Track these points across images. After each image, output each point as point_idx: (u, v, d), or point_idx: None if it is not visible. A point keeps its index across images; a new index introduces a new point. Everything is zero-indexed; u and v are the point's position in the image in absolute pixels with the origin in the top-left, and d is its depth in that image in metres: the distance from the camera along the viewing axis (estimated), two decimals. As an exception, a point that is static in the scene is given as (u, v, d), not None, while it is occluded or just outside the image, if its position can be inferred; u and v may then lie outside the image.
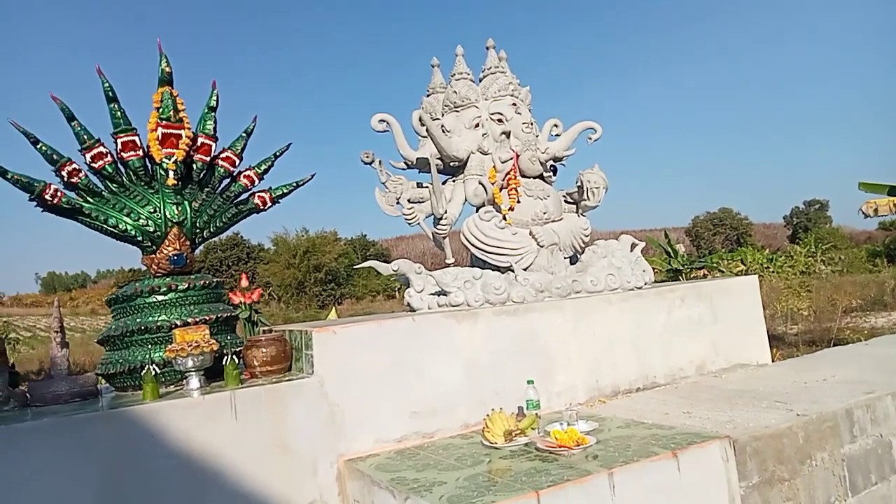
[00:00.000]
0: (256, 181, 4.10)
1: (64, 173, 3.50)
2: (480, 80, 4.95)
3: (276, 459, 3.27)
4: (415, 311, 4.20)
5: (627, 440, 3.16)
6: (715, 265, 21.45)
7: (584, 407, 4.01)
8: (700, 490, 2.93)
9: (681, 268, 18.24)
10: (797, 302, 13.59)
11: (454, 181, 4.75)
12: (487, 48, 4.99)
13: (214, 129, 3.92)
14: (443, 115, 4.88)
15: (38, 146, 3.45)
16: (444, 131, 4.58)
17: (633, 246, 5.01)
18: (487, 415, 3.37)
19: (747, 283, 5.15)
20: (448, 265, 4.54)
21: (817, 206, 51.06)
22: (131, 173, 3.72)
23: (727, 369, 4.75)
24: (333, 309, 15.19)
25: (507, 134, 4.60)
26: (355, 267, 5.82)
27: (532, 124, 4.77)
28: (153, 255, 3.75)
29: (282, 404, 3.31)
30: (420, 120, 4.68)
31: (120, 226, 3.64)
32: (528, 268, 4.34)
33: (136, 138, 3.67)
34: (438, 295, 4.20)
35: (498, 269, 4.35)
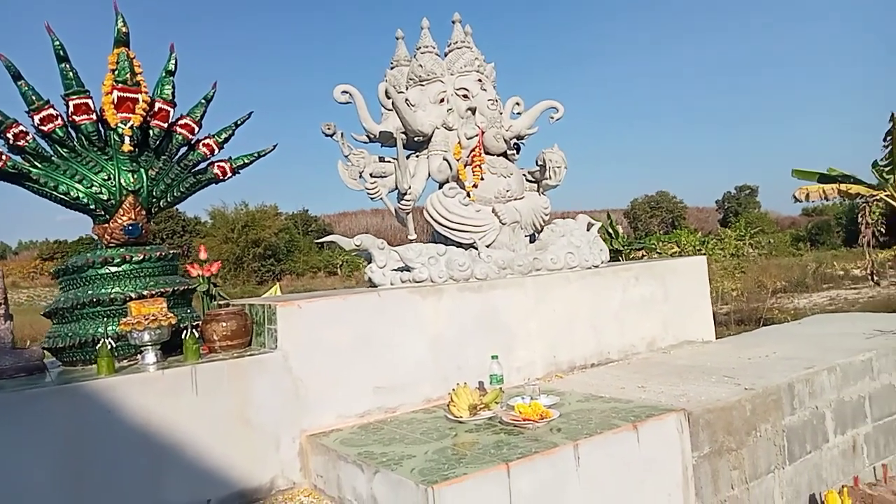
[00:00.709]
0: (216, 150, 3.96)
1: (10, 135, 3.29)
2: (446, 55, 4.91)
3: (238, 435, 3.22)
4: (376, 286, 4.18)
5: (588, 413, 3.26)
6: (653, 246, 22.22)
7: (542, 381, 4.11)
8: (657, 460, 3.07)
9: (621, 248, 18.81)
10: (729, 283, 14.26)
11: (418, 156, 4.73)
12: (453, 22, 4.94)
13: (173, 94, 3.76)
14: (407, 88, 4.83)
15: (-20, 105, 3.22)
16: (408, 105, 4.53)
17: (590, 226, 5.12)
18: (453, 389, 3.41)
19: (696, 264, 5.37)
20: (410, 241, 4.54)
21: (747, 192, 53.36)
22: (83, 138, 3.52)
23: (675, 346, 4.96)
24: (277, 285, 14.95)
25: (473, 110, 4.59)
26: (317, 241, 5.73)
27: (497, 101, 4.79)
28: (106, 225, 3.58)
29: (244, 379, 3.26)
30: (386, 93, 4.61)
31: (71, 193, 3.45)
32: (490, 245, 4.38)
33: (90, 101, 3.47)
34: (401, 271, 4.19)
35: (460, 245, 4.37)
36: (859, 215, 12.12)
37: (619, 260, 14.91)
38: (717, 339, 5.42)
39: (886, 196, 11.35)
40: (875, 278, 12.31)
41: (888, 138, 10.86)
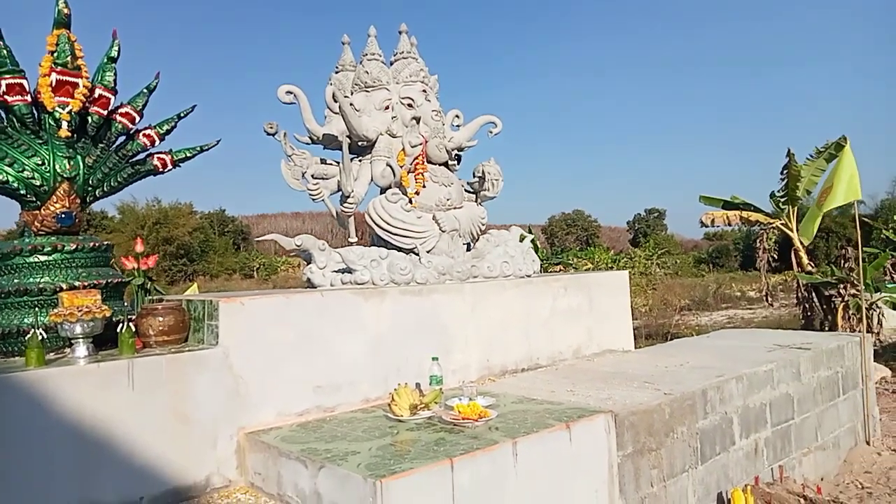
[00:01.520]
0: (157, 141, 3.87)
1: (-66, 112, 3.11)
2: (391, 64, 5.01)
3: (174, 431, 3.15)
4: (315, 287, 4.20)
5: (524, 414, 3.42)
6: (569, 262, 23.05)
7: (476, 384, 4.24)
8: (587, 458, 3.26)
9: (541, 262, 19.33)
10: (640, 299, 15.03)
11: (361, 160, 4.78)
12: (400, 33, 5.05)
13: (114, 81, 3.65)
14: (352, 93, 4.88)
15: None
16: (354, 110, 4.59)
17: (522, 238, 5.34)
18: (395, 389, 3.48)
19: (619, 278, 5.69)
20: (351, 243, 4.58)
21: (656, 215, 56.22)
22: (15, 119, 3.37)
23: (599, 354, 5.23)
24: (194, 284, 14.44)
25: (417, 119, 4.70)
26: (257, 238, 5.63)
27: (440, 113, 4.92)
28: (36, 212, 3.43)
29: (183, 375, 3.20)
30: (333, 96, 4.65)
31: (0, 176, 3.29)
32: (430, 251, 4.49)
33: (24, 81, 3.33)
34: (342, 272, 4.23)
35: (401, 250, 4.46)
36: (757, 241, 13.01)
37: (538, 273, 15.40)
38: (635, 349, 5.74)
39: (781, 224, 12.26)
40: (769, 300, 13.29)
41: (784, 172, 11.77)
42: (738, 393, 4.24)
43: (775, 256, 12.86)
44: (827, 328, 10.68)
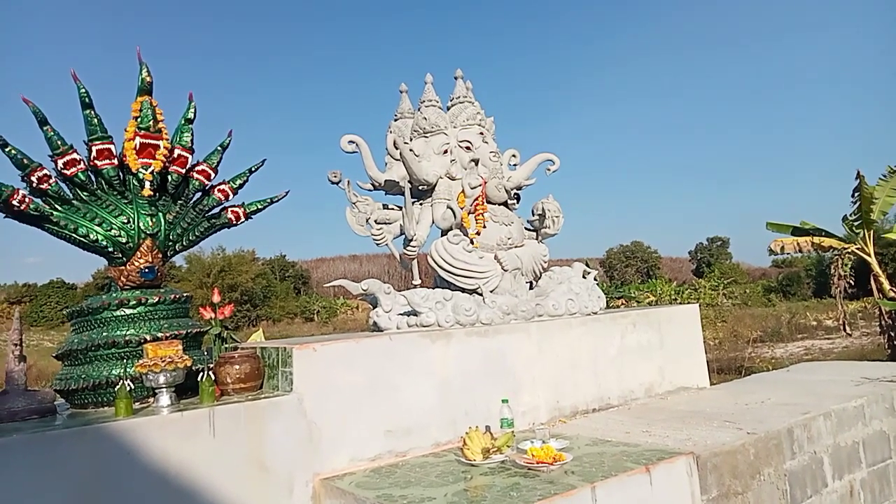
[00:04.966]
0: (231, 195, 4.05)
1: (34, 179, 3.35)
2: (448, 108, 5.12)
3: (253, 478, 3.21)
4: (382, 330, 4.24)
5: (600, 457, 3.33)
6: (631, 295, 22.58)
7: (546, 426, 4.16)
8: (669, 503, 3.13)
9: (602, 297, 18.99)
10: (710, 332, 14.53)
11: (422, 204, 4.87)
12: (456, 78, 5.18)
13: (191, 141, 3.86)
14: (411, 139, 5.01)
15: (7, 150, 3.28)
16: (413, 155, 4.70)
17: (586, 273, 5.28)
18: (466, 432, 3.46)
19: (689, 312, 5.53)
20: (415, 286, 4.64)
21: (719, 243, 54.62)
22: (104, 182, 3.60)
23: (672, 392, 5.06)
24: (260, 329, 14.86)
25: (476, 161, 4.77)
26: (325, 285, 5.77)
27: (497, 153, 4.98)
28: (122, 267, 3.62)
29: (261, 422, 3.27)
30: (394, 144, 4.78)
31: (91, 235, 3.50)
32: (493, 290, 4.49)
33: (112, 146, 3.56)
34: (407, 315, 4.27)
35: (464, 290, 4.48)
36: (832, 267, 12.43)
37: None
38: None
39: (857, 249, 11.71)
40: (847, 329, 12.60)
41: (856, 194, 11.30)
42: (826, 431, 4.01)
43: (852, 283, 12.25)
44: (917, 358, 10.03)
